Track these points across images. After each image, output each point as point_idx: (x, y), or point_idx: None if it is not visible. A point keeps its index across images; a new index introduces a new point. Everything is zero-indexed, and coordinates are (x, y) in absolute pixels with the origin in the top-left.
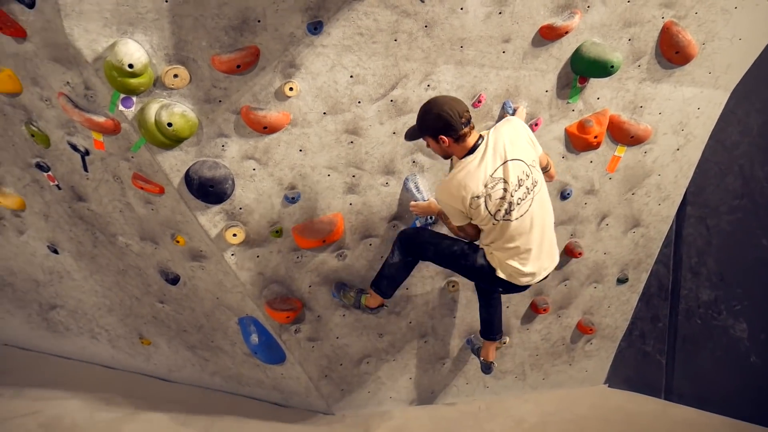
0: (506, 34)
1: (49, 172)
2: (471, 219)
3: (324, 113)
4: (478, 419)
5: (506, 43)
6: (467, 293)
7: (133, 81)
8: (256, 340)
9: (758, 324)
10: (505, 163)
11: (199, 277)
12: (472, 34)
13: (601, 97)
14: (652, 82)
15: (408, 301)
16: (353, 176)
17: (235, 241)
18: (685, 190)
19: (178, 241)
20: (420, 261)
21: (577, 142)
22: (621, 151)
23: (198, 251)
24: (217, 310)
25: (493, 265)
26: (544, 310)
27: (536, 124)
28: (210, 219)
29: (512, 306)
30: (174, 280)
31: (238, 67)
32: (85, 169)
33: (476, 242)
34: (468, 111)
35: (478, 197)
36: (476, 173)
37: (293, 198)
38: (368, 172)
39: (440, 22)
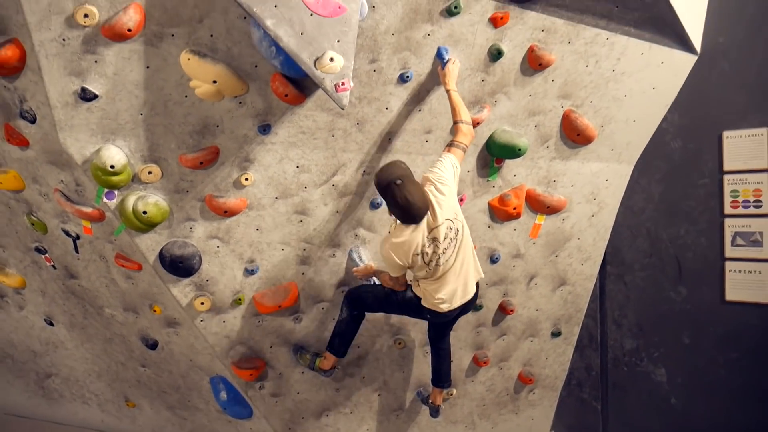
0: (427, 127)
1: (46, 255)
2: (409, 268)
3: (276, 198)
4: None
5: (428, 134)
6: (413, 350)
7: (115, 178)
8: (225, 396)
9: (674, 368)
10: (436, 227)
11: (174, 342)
12: (398, 128)
13: (517, 174)
14: (561, 160)
15: (359, 358)
16: (304, 250)
17: (203, 308)
18: (603, 251)
19: (155, 311)
20: (365, 315)
21: (500, 213)
22: (541, 219)
23: (172, 318)
24: (191, 370)
25: (419, 294)
26: (485, 362)
27: (461, 200)
28: (181, 290)
29: (456, 360)
30: (153, 345)
31: (201, 163)
32: (76, 251)
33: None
34: (424, 211)
35: (417, 254)
36: (414, 238)
37: (252, 270)
38: (317, 245)
39: (369, 119)
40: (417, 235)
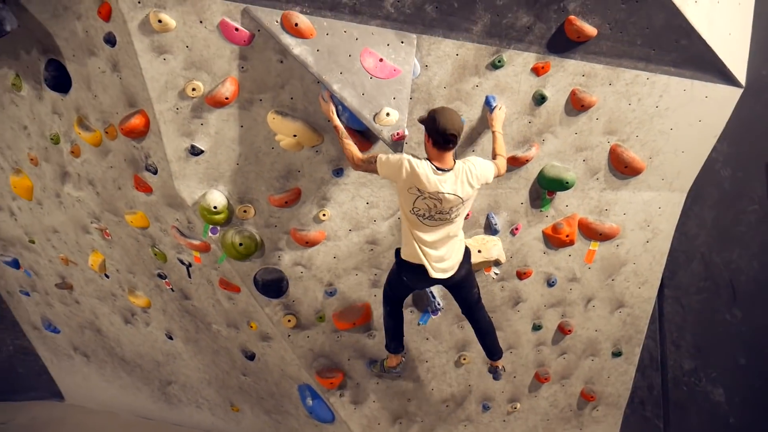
0: None
1: (166, 279)
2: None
3: (350, 230)
4: None
5: None
6: (478, 366)
7: (217, 217)
8: (311, 402)
9: (732, 388)
10: (444, 193)
11: (268, 354)
12: None
13: (569, 205)
14: (612, 190)
15: (428, 371)
16: (375, 274)
17: (290, 325)
18: (660, 275)
19: (252, 326)
20: (400, 308)
21: (554, 240)
22: (595, 246)
23: (266, 333)
24: (283, 379)
25: (404, 257)
26: (546, 379)
27: (516, 229)
28: (272, 309)
29: (519, 376)
30: (251, 357)
31: (286, 203)
32: (189, 277)
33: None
34: (455, 135)
35: (413, 188)
36: (428, 180)
37: (331, 292)
38: (386, 271)
39: None
40: (429, 181)
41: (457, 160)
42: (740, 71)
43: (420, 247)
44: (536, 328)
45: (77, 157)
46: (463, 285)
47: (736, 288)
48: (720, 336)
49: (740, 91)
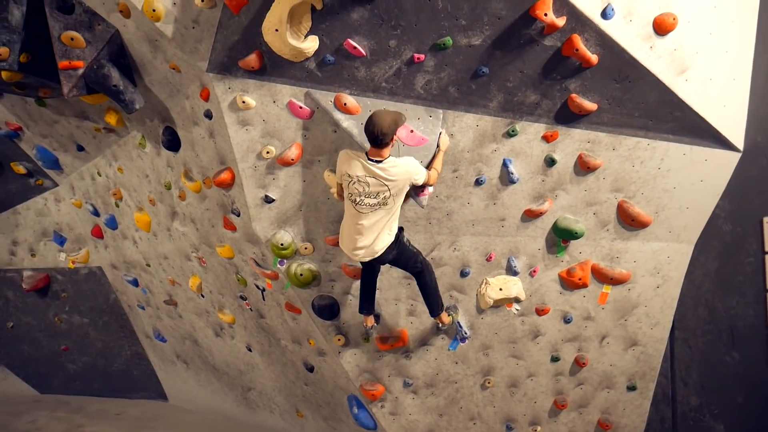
0: (502, 215)
1: (246, 301)
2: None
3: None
4: None
5: (503, 221)
6: (502, 389)
7: (284, 252)
8: (356, 411)
9: (731, 425)
10: (369, 176)
11: (324, 367)
12: (479, 217)
13: (582, 252)
14: (622, 240)
15: (458, 391)
16: (411, 305)
17: (340, 343)
18: (672, 317)
19: (311, 343)
20: (370, 280)
21: (568, 283)
22: (607, 289)
23: (321, 349)
24: (336, 390)
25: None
26: (563, 405)
27: (534, 271)
28: (326, 329)
29: (539, 402)
30: (311, 369)
31: (338, 243)
32: (263, 299)
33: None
34: (374, 134)
35: (346, 174)
36: (356, 166)
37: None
38: (421, 302)
39: (456, 211)
40: (358, 164)
41: (392, 157)
42: (738, 137)
43: (349, 234)
44: (554, 359)
45: (183, 201)
46: (398, 262)
47: (735, 332)
48: (721, 376)
49: (738, 155)
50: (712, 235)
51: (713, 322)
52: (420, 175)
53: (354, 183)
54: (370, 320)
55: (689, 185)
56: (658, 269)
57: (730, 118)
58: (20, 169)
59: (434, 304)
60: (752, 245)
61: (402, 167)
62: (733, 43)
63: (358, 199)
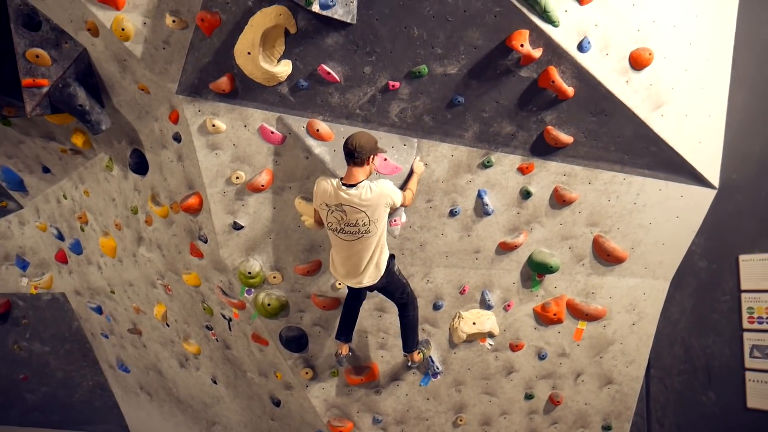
0: (476, 247)
1: (213, 331)
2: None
3: None
4: None
5: (477, 253)
6: (474, 427)
7: (252, 280)
8: None
9: None
10: (346, 205)
11: (291, 401)
12: (453, 248)
13: (557, 286)
14: (597, 275)
15: (428, 429)
16: (382, 338)
17: (308, 377)
18: (648, 355)
19: (277, 376)
20: (353, 308)
21: (543, 318)
22: (582, 325)
23: (288, 383)
24: (303, 426)
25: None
26: None
27: (509, 305)
28: (293, 362)
29: None
30: (277, 403)
31: (308, 272)
32: (230, 329)
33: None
34: (351, 149)
35: (324, 203)
36: (331, 193)
37: None
38: (393, 335)
39: (430, 242)
40: (332, 192)
41: (365, 180)
42: (713, 174)
43: (342, 263)
44: (528, 397)
45: (150, 226)
46: (386, 290)
47: (711, 372)
48: (697, 417)
49: (714, 192)
50: (687, 272)
51: (689, 360)
52: (396, 196)
53: (332, 212)
54: (345, 348)
55: (665, 221)
56: (633, 306)
57: (706, 155)
58: None
59: (410, 340)
60: (728, 283)
61: (376, 190)
62: (708, 79)
63: (338, 228)
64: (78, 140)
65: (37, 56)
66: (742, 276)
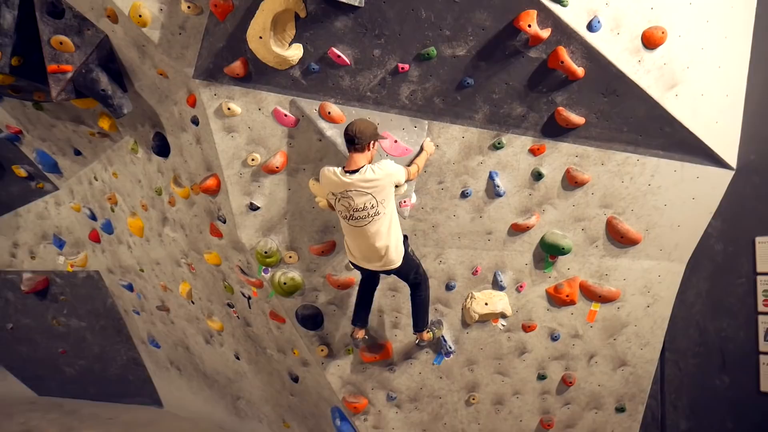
0: (488, 229)
1: (234, 308)
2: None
3: None
4: None
5: (489, 234)
6: (486, 406)
7: (269, 260)
8: (339, 423)
9: None
10: (351, 191)
11: (308, 378)
12: (465, 230)
13: (570, 268)
14: (611, 257)
15: (441, 407)
16: (396, 317)
17: (323, 354)
18: (662, 338)
19: (295, 353)
20: (367, 294)
21: (556, 299)
22: (596, 307)
23: (305, 360)
24: (320, 401)
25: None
26: (549, 425)
27: (521, 286)
28: (309, 339)
29: (525, 421)
30: (296, 379)
31: (323, 252)
32: (249, 307)
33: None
34: (351, 135)
35: (332, 194)
36: (335, 181)
37: None
38: (405, 314)
39: (442, 224)
40: (337, 180)
41: (367, 164)
42: (731, 155)
43: (358, 248)
44: (541, 377)
45: (173, 206)
46: (400, 271)
47: (726, 356)
48: (711, 400)
49: (731, 173)
50: (703, 254)
51: (704, 344)
52: (399, 173)
53: (339, 200)
54: (362, 333)
55: (680, 203)
56: (648, 288)
57: (723, 135)
58: (21, 172)
59: (420, 320)
60: (744, 266)
61: (378, 171)
62: (726, 58)
63: (347, 215)
64: (104, 124)
65: (61, 43)
66: (758, 259)
